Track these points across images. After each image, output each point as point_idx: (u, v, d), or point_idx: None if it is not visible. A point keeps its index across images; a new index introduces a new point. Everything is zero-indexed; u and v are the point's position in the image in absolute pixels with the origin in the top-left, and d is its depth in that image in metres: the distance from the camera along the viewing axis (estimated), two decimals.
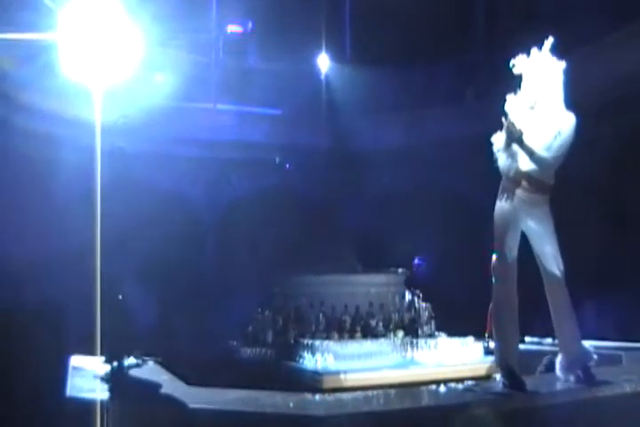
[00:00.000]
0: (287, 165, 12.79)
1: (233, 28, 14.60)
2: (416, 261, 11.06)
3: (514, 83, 5.99)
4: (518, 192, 5.72)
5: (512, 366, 5.56)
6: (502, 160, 5.77)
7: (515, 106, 5.79)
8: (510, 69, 5.93)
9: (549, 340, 8.25)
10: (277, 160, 12.66)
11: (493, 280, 5.86)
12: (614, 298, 8.34)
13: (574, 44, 8.86)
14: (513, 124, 5.58)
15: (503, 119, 5.66)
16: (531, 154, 5.61)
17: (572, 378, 5.68)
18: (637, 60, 9.45)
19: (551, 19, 10.52)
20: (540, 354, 7.12)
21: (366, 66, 13.21)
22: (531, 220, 5.77)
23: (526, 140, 5.60)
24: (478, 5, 13.73)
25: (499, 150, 5.79)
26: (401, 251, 10.97)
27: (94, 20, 6.25)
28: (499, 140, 5.78)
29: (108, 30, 6.35)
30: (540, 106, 5.80)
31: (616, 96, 9.57)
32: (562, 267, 5.75)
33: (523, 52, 5.95)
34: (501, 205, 5.78)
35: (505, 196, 5.76)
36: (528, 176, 5.72)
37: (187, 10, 12.52)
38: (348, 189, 11.15)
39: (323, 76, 14.02)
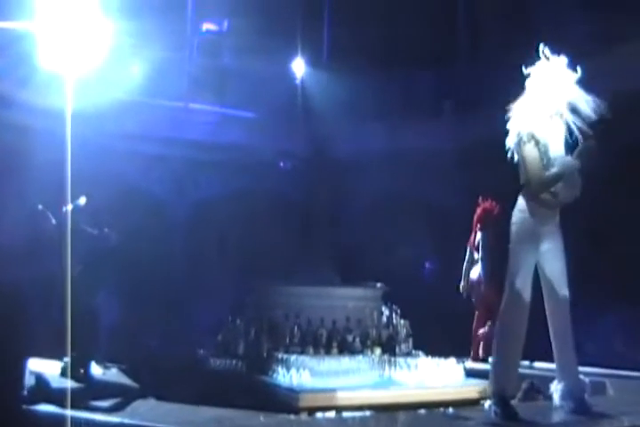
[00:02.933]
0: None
1: (208, 26, 14.28)
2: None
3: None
4: (534, 206, 5.41)
5: (507, 394, 5.29)
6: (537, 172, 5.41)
7: (524, 115, 5.47)
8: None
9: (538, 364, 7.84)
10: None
11: (503, 306, 5.44)
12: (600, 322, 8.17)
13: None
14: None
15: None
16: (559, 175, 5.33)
17: (565, 408, 5.43)
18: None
19: (538, 31, 10.33)
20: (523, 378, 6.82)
21: (343, 72, 12.93)
22: (543, 235, 5.47)
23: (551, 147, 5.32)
24: (461, 15, 13.56)
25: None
26: (381, 263, 10.70)
27: (69, 9, 6.15)
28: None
29: (81, 20, 6.26)
30: (550, 119, 5.52)
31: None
32: (567, 287, 5.46)
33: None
34: (522, 217, 5.45)
35: (524, 209, 5.44)
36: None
37: (162, 5, 12.21)
38: (325, 194, 10.86)
39: (298, 81, 13.70)
